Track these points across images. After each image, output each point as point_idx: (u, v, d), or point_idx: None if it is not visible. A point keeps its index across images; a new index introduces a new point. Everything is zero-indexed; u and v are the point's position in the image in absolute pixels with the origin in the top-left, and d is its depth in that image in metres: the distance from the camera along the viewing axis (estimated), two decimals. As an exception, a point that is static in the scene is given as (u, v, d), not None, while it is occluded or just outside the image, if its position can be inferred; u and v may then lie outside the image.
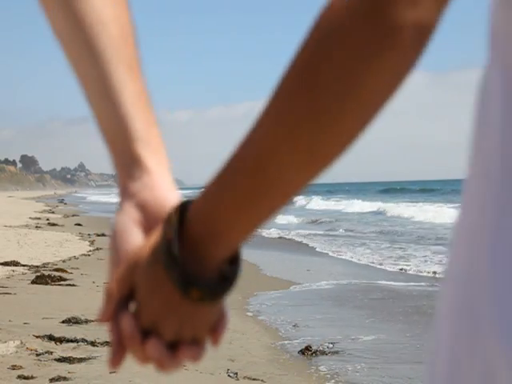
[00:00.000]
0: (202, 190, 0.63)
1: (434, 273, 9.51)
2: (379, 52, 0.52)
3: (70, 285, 7.89)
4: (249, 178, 0.59)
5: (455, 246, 0.60)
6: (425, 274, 9.64)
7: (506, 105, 0.56)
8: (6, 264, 9.31)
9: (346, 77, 0.53)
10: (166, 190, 0.71)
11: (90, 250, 11.80)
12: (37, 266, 9.34)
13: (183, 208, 0.63)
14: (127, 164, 0.72)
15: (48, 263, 9.77)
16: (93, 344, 5.06)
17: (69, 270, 8.88)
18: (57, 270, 8.93)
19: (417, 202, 32.91)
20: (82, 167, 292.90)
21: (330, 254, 12.56)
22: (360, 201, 34.33)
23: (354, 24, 0.52)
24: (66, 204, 45.47)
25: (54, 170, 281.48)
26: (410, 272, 9.91)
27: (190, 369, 4.45)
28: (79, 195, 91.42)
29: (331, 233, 17.87)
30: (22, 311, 6.13)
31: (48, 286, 7.72)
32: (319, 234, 16.98)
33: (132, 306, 0.68)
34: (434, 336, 0.61)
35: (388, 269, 10.26)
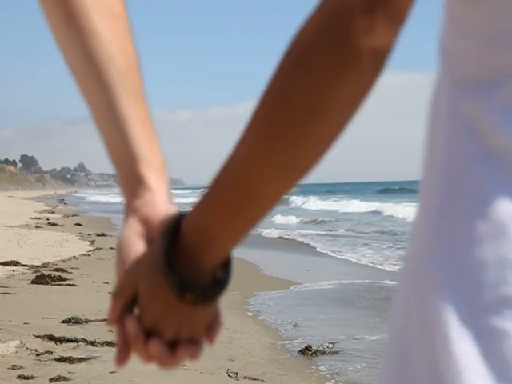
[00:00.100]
0: (195, 202, 0.69)
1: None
2: (342, 75, 0.60)
3: (70, 285, 7.89)
4: (229, 190, 0.66)
5: (411, 242, 0.68)
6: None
7: (451, 117, 0.65)
8: (6, 264, 9.31)
9: (313, 96, 0.61)
10: (166, 205, 0.78)
11: (90, 250, 11.80)
12: (37, 266, 9.34)
13: (178, 220, 0.70)
14: (132, 183, 0.80)
15: (48, 263, 9.77)
16: (93, 344, 5.06)
17: (69, 270, 8.88)
18: (57, 269, 8.93)
19: (416, 201, 32.76)
20: (81, 167, 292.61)
21: (331, 254, 12.56)
22: (358, 201, 34.25)
23: (320, 50, 0.60)
24: (65, 204, 45.49)
25: (54, 169, 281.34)
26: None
27: (189, 369, 4.45)
28: (79, 195, 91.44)
29: (331, 233, 17.88)
30: (21, 311, 6.14)
31: (48, 286, 7.72)
32: (320, 234, 16.99)
33: (136, 310, 0.74)
34: (394, 307, 0.69)
35: (388, 269, 10.25)
